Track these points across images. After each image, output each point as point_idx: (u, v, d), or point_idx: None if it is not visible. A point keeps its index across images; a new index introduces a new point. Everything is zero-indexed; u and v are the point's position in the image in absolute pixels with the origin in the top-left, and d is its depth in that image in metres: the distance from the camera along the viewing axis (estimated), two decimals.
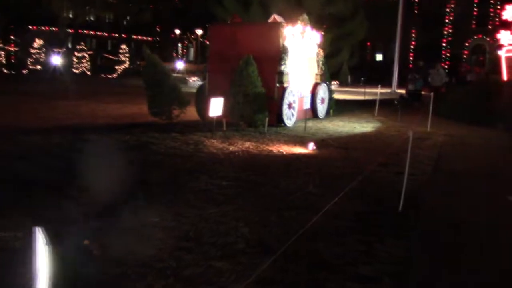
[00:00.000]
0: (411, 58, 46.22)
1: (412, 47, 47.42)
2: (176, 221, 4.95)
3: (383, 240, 4.71)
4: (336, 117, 14.84)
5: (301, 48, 13.58)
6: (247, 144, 9.64)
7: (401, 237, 4.84)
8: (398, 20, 29.04)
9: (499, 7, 41.70)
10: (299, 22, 13.01)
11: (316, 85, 14.28)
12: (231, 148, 9.16)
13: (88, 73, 34.79)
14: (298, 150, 9.27)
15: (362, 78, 30.77)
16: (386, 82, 29.53)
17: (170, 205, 5.44)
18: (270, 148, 9.28)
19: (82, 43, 36.63)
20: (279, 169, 7.61)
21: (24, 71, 33.34)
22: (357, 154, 9.19)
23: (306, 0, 32.33)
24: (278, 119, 12.17)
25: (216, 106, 9.96)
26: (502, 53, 20.50)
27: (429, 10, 45.37)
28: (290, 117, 12.44)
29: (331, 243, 4.58)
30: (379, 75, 34.09)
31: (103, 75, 34.05)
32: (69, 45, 46.15)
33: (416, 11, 47.59)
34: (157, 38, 65.39)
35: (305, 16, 13.36)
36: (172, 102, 12.00)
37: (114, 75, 34.63)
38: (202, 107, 12.64)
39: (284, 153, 8.93)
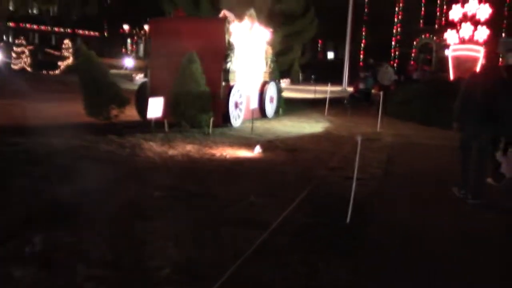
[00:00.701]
0: (361, 56, 46.63)
1: (362, 45, 47.84)
2: (92, 243, 4.27)
3: (329, 259, 4.21)
4: (285, 117, 14.38)
5: (249, 44, 13.04)
6: (188, 147, 9.00)
7: (348, 255, 4.36)
8: (348, 18, 29.03)
9: (445, 7, 42.61)
10: (246, 18, 12.44)
11: (264, 84, 13.77)
12: (171, 152, 8.49)
13: (28, 69, 32.94)
14: (243, 153, 8.71)
15: (312, 76, 30.56)
16: (337, 80, 29.48)
17: (87, 222, 4.75)
18: (213, 152, 8.67)
19: (22, 37, 34.66)
20: (220, 175, 7.03)
21: None
22: (305, 156, 8.72)
23: None
24: (224, 119, 11.57)
25: (155, 107, 9.27)
26: (449, 53, 20.69)
27: (379, 9, 45.86)
28: (236, 117, 11.87)
29: (272, 265, 4.04)
30: (331, 73, 34.09)
31: (44, 72, 32.32)
32: (10, 39, 43.89)
33: (366, 10, 48.06)
34: (105, 33, 63.36)
35: (252, 12, 12.81)
36: (110, 101, 11.17)
37: (56, 72, 32.97)
38: (143, 106, 11.85)
39: (227, 157, 8.34)
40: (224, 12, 13.28)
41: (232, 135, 10.71)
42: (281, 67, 35.18)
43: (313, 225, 5.11)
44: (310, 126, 12.76)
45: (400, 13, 46.18)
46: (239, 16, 12.62)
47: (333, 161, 8.37)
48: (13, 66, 33.13)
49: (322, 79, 30.10)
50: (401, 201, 6.43)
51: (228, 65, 11.48)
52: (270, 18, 32.47)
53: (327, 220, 5.25)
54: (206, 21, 12.39)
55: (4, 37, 45.71)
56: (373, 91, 18.00)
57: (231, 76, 11.57)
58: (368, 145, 10.29)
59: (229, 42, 11.47)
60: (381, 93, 13.06)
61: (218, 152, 8.69)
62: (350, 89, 26.32)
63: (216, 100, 11.31)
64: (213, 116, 11.02)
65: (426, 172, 8.27)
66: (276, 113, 14.70)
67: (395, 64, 43.25)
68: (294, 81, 33.81)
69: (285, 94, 24.51)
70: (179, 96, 10.58)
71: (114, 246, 4.22)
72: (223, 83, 11.48)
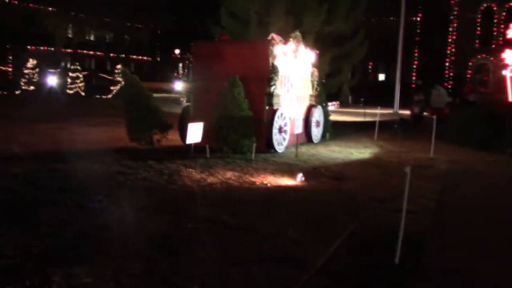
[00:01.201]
0: (414, 78, 45.40)
1: (414, 66, 46.65)
2: (114, 281, 3.95)
3: None
4: (332, 142, 13.85)
5: (294, 67, 12.69)
6: (229, 174, 8.66)
7: None
8: (399, 39, 28.23)
9: (502, 26, 41.01)
10: (291, 39, 12.12)
11: (310, 107, 13.34)
12: (210, 179, 8.17)
13: (82, 93, 33.97)
14: (285, 181, 8.28)
15: (362, 99, 29.75)
16: (388, 102, 28.62)
17: (113, 257, 4.44)
18: (254, 179, 8.29)
19: (77, 63, 35.87)
20: (258, 206, 6.62)
21: (17, 92, 32.57)
22: (351, 185, 8.19)
23: (305, 19, 31.59)
24: (268, 145, 11.20)
25: (194, 132, 9.02)
26: (507, 73, 19.61)
27: (431, 29, 44.67)
28: (281, 142, 11.47)
29: None
30: (382, 96, 33.22)
31: (97, 96, 33.23)
32: (67, 65, 45.53)
33: (418, 30, 46.97)
34: (157, 58, 64.96)
35: (297, 34, 12.48)
36: (153, 126, 11.08)
37: (109, 96, 33.83)
38: (186, 131, 11.69)
39: (269, 185, 7.94)
40: (273, 36, 13.01)
41: (276, 161, 10.30)
42: (330, 90, 34.76)
43: (358, 265, 4.62)
44: (358, 151, 12.18)
45: (455, 33, 44.79)
46: (288, 39, 12.30)
47: (381, 191, 7.79)
48: (68, 91, 34.25)
49: (372, 102, 29.34)
50: (459, 242, 5.77)
51: (272, 88, 11.15)
52: (318, 40, 32.24)
53: (374, 260, 4.73)
54: (249, 44, 12.16)
55: (62, 63, 47.49)
56: (425, 114, 17.16)
57: (275, 100, 11.22)
58: (420, 173, 9.63)
59: (273, 65, 11.16)
60: (434, 116, 12.33)
61: (259, 180, 8.30)
62: (402, 112, 25.45)
63: (259, 125, 10.98)
64: (256, 142, 10.69)
65: (485, 205, 7.55)
66: (323, 137, 14.19)
67: (449, 86, 41.86)
68: (344, 104, 33.14)
69: (334, 117, 23.95)
70: (221, 121, 10.33)
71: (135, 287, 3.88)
72: (267, 107, 11.14)
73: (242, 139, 10.39)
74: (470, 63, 43.73)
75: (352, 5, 34.16)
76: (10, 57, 43.23)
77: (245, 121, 10.42)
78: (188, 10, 45.10)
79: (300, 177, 8.25)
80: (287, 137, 11.66)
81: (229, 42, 11.83)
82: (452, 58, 44.76)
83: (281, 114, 11.43)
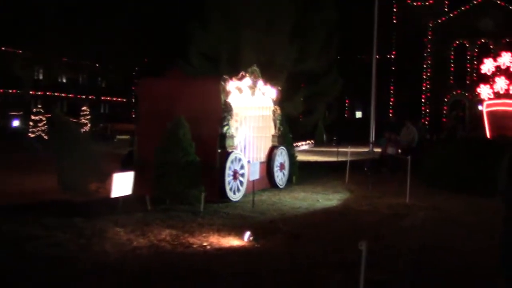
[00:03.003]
0: (390, 114, 44.81)
1: (391, 103, 46.16)
2: None
3: None
4: (298, 186, 12.45)
5: (251, 105, 11.46)
6: (165, 233, 7.17)
7: None
8: (373, 75, 27.43)
9: (475, 61, 40.92)
10: (247, 75, 10.88)
11: (272, 149, 12.00)
12: (138, 241, 6.68)
13: (45, 137, 32.22)
14: (231, 241, 6.82)
15: (334, 138, 28.60)
16: (364, 140, 27.52)
17: None
18: (193, 240, 6.81)
19: (39, 106, 34.32)
20: (183, 282, 5.14)
21: None
22: (309, 246, 6.77)
23: (277, 57, 30.78)
24: (222, 193, 9.76)
25: (122, 183, 7.54)
26: (483, 108, 18.74)
27: (406, 66, 44.45)
28: (236, 190, 10.04)
29: None
30: (358, 133, 32.22)
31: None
32: (33, 108, 43.84)
33: (393, 67, 46.75)
34: (132, 99, 63.58)
35: (255, 68, 11.26)
36: (88, 174, 9.61)
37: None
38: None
39: (208, 248, 6.47)
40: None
41: (228, 213, 8.86)
42: (304, 128, 33.79)
43: None
44: (325, 198, 10.79)
45: (429, 70, 44.62)
46: (244, 74, 11.04)
47: (346, 254, 6.36)
48: (29, 135, 32.52)
49: (348, 140, 28.26)
50: None
51: (225, 129, 9.81)
52: (291, 78, 31.37)
53: None
54: (198, 81, 10.87)
55: (32, 106, 45.79)
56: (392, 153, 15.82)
57: (228, 142, 9.87)
58: (395, 223, 8.30)
59: (225, 102, 9.86)
60: (408, 157, 11.07)
61: (199, 240, 6.82)
62: (378, 150, 24.27)
63: (211, 171, 9.59)
64: (208, 190, 9.25)
65: (473, 267, 6.17)
66: (289, 181, 12.80)
67: (426, 122, 41.25)
68: (318, 143, 32.00)
69: (306, 157, 22.73)
70: (162, 166, 8.91)
71: None
72: (219, 150, 9.76)
73: (188, 188, 8.96)
74: (446, 99, 43.40)
75: (324, 44, 33.59)
76: None
77: (192, 167, 9.02)
78: (159, 49, 44.12)
79: (247, 236, 6.80)
80: (244, 184, 10.25)
81: (177, 79, 10.54)
82: (428, 94, 44.42)
83: (236, 158, 10.06)
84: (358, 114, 51.53)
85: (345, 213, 9.13)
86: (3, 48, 44.05)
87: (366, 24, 31.72)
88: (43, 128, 32.78)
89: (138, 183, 10.00)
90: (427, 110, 44.11)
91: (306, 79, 33.69)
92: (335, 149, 24.10)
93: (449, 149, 14.35)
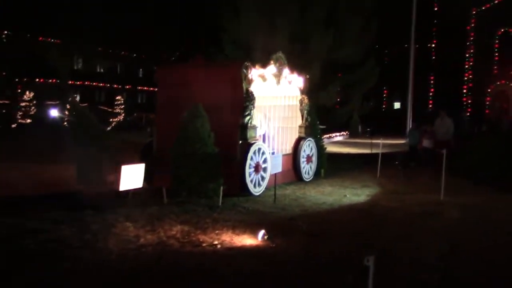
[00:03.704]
0: (430, 105, 43.28)
1: (430, 94, 44.58)
2: None
3: None
4: (326, 180, 11.86)
5: (276, 94, 10.92)
6: (176, 229, 6.76)
7: None
8: (410, 66, 26.31)
9: None
10: (271, 62, 10.32)
11: (299, 140, 11.43)
12: (146, 238, 6.29)
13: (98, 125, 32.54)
14: (244, 240, 6.35)
15: (368, 129, 27.55)
16: (402, 132, 26.46)
17: None
18: (204, 238, 6.37)
19: (75, 95, 34.65)
20: (180, 282, 4.71)
21: (13, 125, 31.30)
22: (328, 247, 6.21)
23: (312, 45, 30.01)
24: (242, 186, 9.29)
25: (131, 176, 7.17)
26: None
27: (447, 55, 42.75)
28: (257, 183, 9.55)
29: None
30: (395, 125, 31.08)
31: None
32: (72, 98, 44.40)
33: (433, 57, 45.06)
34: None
35: (280, 55, 10.67)
36: (105, 166, 9.30)
37: (108, 128, 32.37)
38: (148, 169, 9.88)
39: (219, 247, 6.01)
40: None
41: (247, 208, 8.38)
42: (339, 119, 32.90)
43: None
44: (353, 193, 10.17)
45: (472, 59, 42.77)
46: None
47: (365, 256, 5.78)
48: (65, 124, 32.90)
49: (384, 132, 27.30)
50: None
51: (247, 119, 9.32)
52: (326, 67, 30.56)
53: None
54: (219, 67, 10.37)
55: (69, 96, 46.42)
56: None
57: (250, 133, 9.37)
58: (425, 224, 7.63)
59: (247, 91, 9.35)
60: (444, 151, 10.29)
61: (211, 238, 6.38)
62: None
63: (231, 163, 9.13)
64: (228, 183, 8.81)
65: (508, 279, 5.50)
66: (318, 174, 12.23)
67: (468, 114, 39.59)
68: (353, 134, 31.10)
69: (338, 149, 22.00)
70: (179, 158, 8.50)
71: None
72: (240, 142, 9.28)
73: (205, 181, 8.52)
74: (489, 90, 41.54)
75: (361, 31, 32.55)
76: (19, 91, 42.24)
77: (210, 159, 8.58)
78: (193, 38, 43.88)
79: (261, 235, 6.31)
80: (266, 176, 9.75)
81: (197, 65, 10.08)
82: (470, 84, 42.62)
83: (259, 150, 9.55)
84: (397, 105, 50.01)
85: (372, 210, 8.51)
86: (40, 38, 44.68)
87: (406, 11, 30.45)
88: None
89: (157, 174, 9.75)
90: (469, 101, 42.37)
91: (342, 68, 32.75)
92: (369, 141, 23.27)
93: (491, 142, 13.42)
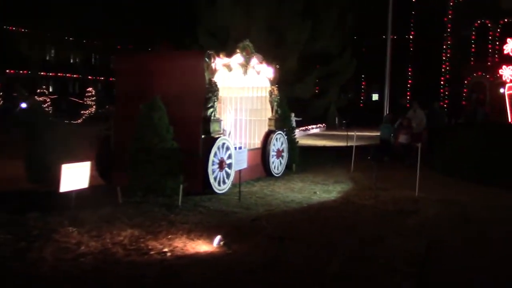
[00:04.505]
0: (408, 97, 43.09)
1: (408, 86, 44.41)
2: None
3: None
4: (298, 175, 11.29)
5: (244, 85, 10.31)
6: (125, 234, 6.11)
7: None
8: (387, 56, 25.85)
9: (498, 42, 38.96)
10: (237, 51, 9.67)
11: (269, 134, 10.83)
12: (88, 245, 5.63)
13: (50, 119, 31.36)
14: (198, 246, 5.73)
15: (343, 121, 27.09)
16: (379, 124, 26.05)
17: None
18: (154, 244, 5.73)
19: (44, 86, 33.49)
20: None
21: None
22: (293, 251, 5.64)
23: (289, 36, 29.40)
24: (205, 184, 8.65)
25: (73, 176, 6.48)
26: (505, 91, 17.30)
27: (425, 48, 42.57)
28: (222, 181, 8.92)
29: None
30: (373, 117, 30.69)
31: (66, 121, 30.62)
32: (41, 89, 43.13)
33: (411, 49, 44.88)
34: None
35: (247, 43, 10.03)
36: (56, 163, 8.57)
37: (79, 121, 31.36)
38: (105, 167, 9.21)
39: (168, 255, 5.38)
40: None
41: (208, 208, 7.76)
42: (316, 111, 32.38)
43: None
44: (324, 189, 9.62)
45: (449, 51, 42.67)
46: (234, 50, 9.85)
47: (334, 263, 5.23)
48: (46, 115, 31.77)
49: (361, 124, 26.88)
50: None
51: (209, 111, 8.66)
52: (303, 58, 29.99)
53: None
54: (180, 56, 9.66)
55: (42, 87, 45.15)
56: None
57: (213, 127, 8.72)
58: (399, 223, 7.12)
59: (210, 81, 8.68)
60: (419, 144, 9.80)
61: (162, 244, 5.74)
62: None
63: (193, 159, 8.49)
64: (190, 180, 8.18)
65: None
66: (289, 169, 11.67)
67: (445, 105, 39.49)
68: (330, 126, 30.66)
69: (314, 141, 21.49)
70: (135, 155, 7.83)
71: None
72: (203, 136, 8.63)
73: (163, 179, 7.87)
74: (466, 81, 41.51)
75: (338, 22, 32.06)
76: None
77: (169, 155, 7.93)
78: (169, 29, 42.88)
79: (217, 240, 5.70)
80: (231, 173, 9.12)
81: (157, 54, 9.40)
82: (447, 76, 42.57)
83: (223, 145, 8.91)
84: (375, 97, 49.80)
85: (342, 209, 7.96)
86: (12, 28, 43.26)
87: (383, 2, 29.97)
88: (47, 109, 31.99)
89: (115, 172, 9.07)
90: (446, 93, 42.33)
91: (319, 60, 32.23)
92: (348, 133, 22.80)
93: (467, 135, 13.03)
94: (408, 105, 36.67)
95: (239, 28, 27.37)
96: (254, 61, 10.24)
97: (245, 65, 9.90)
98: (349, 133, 18.52)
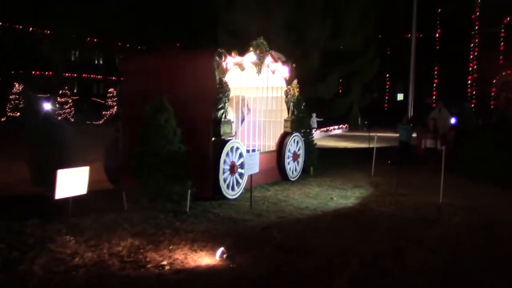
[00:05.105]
0: (434, 97, 42.04)
1: (434, 85, 43.35)
2: None
3: None
4: (315, 179, 10.82)
5: (258, 85, 9.89)
6: (125, 244, 5.75)
7: None
8: (411, 55, 25.09)
9: None
10: (251, 49, 9.25)
11: (284, 136, 10.39)
12: (84, 256, 5.28)
13: (72, 119, 31.47)
14: (200, 258, 5.33)
15: (365, 122, 26.25)
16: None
17: None
18: (153, 256, 5.36)
19: (66, 87, 33.60)
20: None
21: (3, 119, 30.28)
22: (302, 266, 5.20)
23: (310, 34, 28.87)
24: (216, 189, 8.26)
25: (70, 182, 6.14)
26: None
27: (452, 46, 41.40)
28: (233, 185, 8.52)
29: None
30: (397, 117, 29.84)
31: (87, 122, 30.69)
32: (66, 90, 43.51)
33: (437, 47, 43.76)
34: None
35: (261, 41, 9.60)
36: (62, 166, 8.29)
37: (100, 122, 31.40)
38: (114, 168, 8.91)
39: (166, 268, 5.00)
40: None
41: (218, 214, 7.37)
42: (339, 112, 31.71)
43: None
44: (342, 195, 9.13)
45: (477, 49, 41.52)
46: (247, 48, 9.41)
47: (344, 279, 4.77)
48: (57, 117, 31.89)
49: (385, 124, 26.15)
50: None
51: (220, 113, 8.27)
52: (324, 57, 29.40)
53: None
54: (188, 56, 9.28)
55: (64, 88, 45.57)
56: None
57: (224, 129, 8.33)
58: (420, 233, 6.60)
59: (221, 81, 8.29)
60: (443, 147, 9.22)
61: (162, 256, 5.36)
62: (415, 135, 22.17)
63: (203, 163, 8.11)
64: (199, 185, 7.81)
65: None
66: (306, 172, 11.22)
67: (472, 105, 38.36)
68: (352, 127, 29.97)
69: (335, 143, 20.92)
70: (141, 158, 7.48)
71: None
72: (213, 139, 8.24)
73: (170, 184, 7.50)
74: (494, 80, 40.28)
75: (361, 20, 31.37)
76: (16, 84, 41.32)
77: (176, 159, 7.55)
78: (189, 30, 42.75)
79: (220, 253, 5.28)
80: (243, 178, 8.71)
81: (165, 54, 9.06)
82: (475, 75, 41.42)
83: (234, 148, 8.51)
84: (400, 96, 48.80)
85: (360, 217, 7.47)
86: (35, 29, 43.69)
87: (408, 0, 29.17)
88: (69, 110, 32.16)
89: (123, 175, 8.75)
90: (474, 92, 41.20)
91: (341, 59, 31.56)
92: (370, 134, 22.17)
93: (496, 136, 12.34)
94: (434, 105, 35.71)
95: (258, 27, 26.95)
96: (269, 59, 9.82)
97: (259, 64, 9.48)
98: (371, 134, 17.93)
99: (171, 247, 5.68)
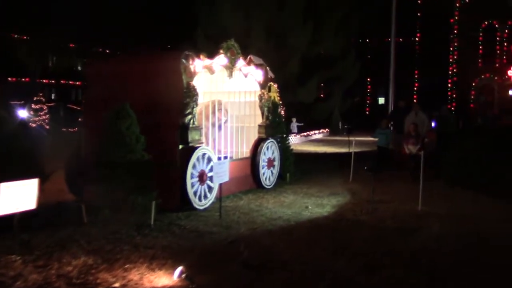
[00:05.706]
0: (415, 101, 42.03)
1: (415, 89, 43.39)
2: None
3: None
4: (291, 186, 10.40)
5: (230, 89, 9.46)
6: (76, 262, 5.25)
7: None
8: (391, 59, 24.93)
9: (506, 43, 37.98)
10: (221, 51, 8.81)
11: (258, 142, 9.95)
12: (28, 278, 4.78)
13: (47, 127, 30.59)
14: (156, 279, 4.85)
15: (345, 126, 25.89)
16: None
17: None
18: (105, 277, 4.86)
19: (40, 94, 32.71)
20: None
21: None
22: (271, 283, 4.75)
23: (290, 38, 28.57)
24: (183, 200, 7.79)
25: (15, 196, 5.60)
26: None
27: (432, 50, 41.48)
28: (203, 196, 8.05)
29: None
30: (377, 121, 29.63)
31: (63, 129, 29.86)
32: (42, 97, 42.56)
33: (417, 51, 43.84)
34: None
35: (232, 43, 9.16)
36: (24, 175, 7.74)
37: (76, 129, 30.56)
38: (75, 179, 8.37)
39: None
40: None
41: (184, 227, 6.89)
42: (320, 116, 31.41)
43: None
44: (318, 203, 8.71)
45: (456, 52, 41.67)
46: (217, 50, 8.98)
47: None
48: (31, 124, 31.01)
49: (366, 128, 25.86)
50: None
51: (188, 118, 7.80)
52: (305, 62, 29.12)
53: None
54: (154, 58, 8.80)
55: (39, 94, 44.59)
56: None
57: (192, 135, 7.86)
58: (398, 245, 6.20)
59: (188, 85, 7.82)
60: (421, 152, 8.87)
61: (115, 277, 4.87)
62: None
63: (170, 171, 7.64)
64: (166, 196, 7.36)
65: None
66: (283, 179, 10.80)
67: (452, 108, 38.42)
68: (333, 131, 29.69)
69: (315, 148, 20.56)
70: (101, 168, 6.98)
71: None
72: (180, 146, 7.77)
73: (133, 195, 7.00)
74: (474, 84, 40.46)
75: (341, 25, 31.18)
76: None
77: (138, 168, 7.06)
78: (167, 35, 42.19)
79: (178, 272, 4.81)
80: (213, 187, 8.24)
81: (130, 58, 8.59)
82: (454, 78, 41.55)
83: (203, 155, 8.04)
84: (381, 100, 48.79)
85: (335, 227, 7.05)
86: (15, 35, 42.83)
87: (388, 4, 29.05)
88: (44, 117, 31.30)
89: (86, 186, 8.22)
90: (454, 95, 41.30)
91: (322, 63, 31.30)
92: (351, 138, 21.84)
93: (477, 138, 12.04)
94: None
95: (238, 31, 26.55)
96: (241, 62, 9.38)
97: (230, 67, 9.03)
98: (351, 139, 17.60)
99: (126, 266, 5.20)
